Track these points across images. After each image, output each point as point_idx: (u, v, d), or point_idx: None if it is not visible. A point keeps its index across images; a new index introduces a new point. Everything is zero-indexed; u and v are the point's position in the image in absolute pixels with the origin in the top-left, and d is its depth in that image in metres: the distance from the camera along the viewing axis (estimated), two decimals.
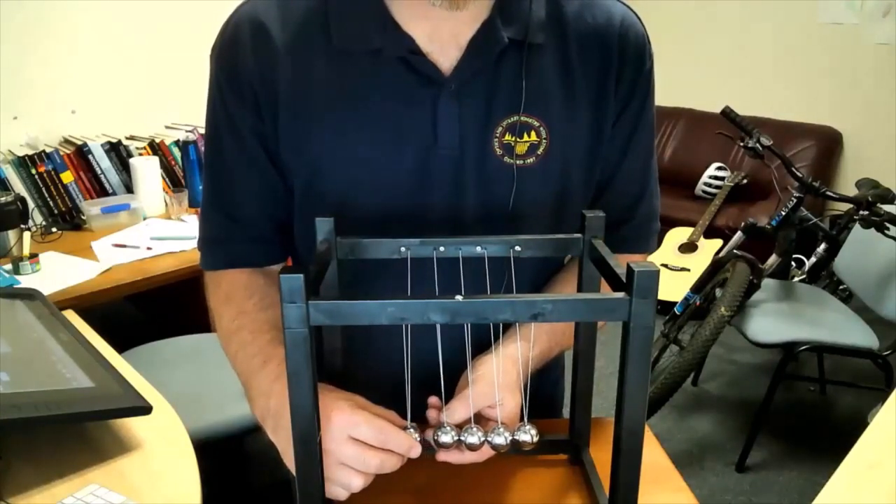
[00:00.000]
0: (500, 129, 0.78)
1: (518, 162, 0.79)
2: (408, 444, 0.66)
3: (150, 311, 2.45)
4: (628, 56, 0.81)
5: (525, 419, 0.70)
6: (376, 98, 0.77)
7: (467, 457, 0.70)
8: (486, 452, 0.69)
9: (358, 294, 0.58)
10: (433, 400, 0.72)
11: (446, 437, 0.68)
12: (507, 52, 0.77)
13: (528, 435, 0.68)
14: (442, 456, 0.70)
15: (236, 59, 0.78)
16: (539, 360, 0.82)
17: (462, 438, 0.68)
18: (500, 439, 0.68)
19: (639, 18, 0.83)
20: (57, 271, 1.85)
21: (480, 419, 0.71)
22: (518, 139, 0.78)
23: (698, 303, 2.62)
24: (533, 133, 0.79)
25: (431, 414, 0.71)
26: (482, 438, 0.68)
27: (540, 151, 0.79)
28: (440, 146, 0.77)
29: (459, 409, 0.69)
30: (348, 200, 0.79)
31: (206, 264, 0.89)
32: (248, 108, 0.79)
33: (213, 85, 0.82)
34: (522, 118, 0.78)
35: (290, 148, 0.80)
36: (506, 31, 0.76)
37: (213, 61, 0.81)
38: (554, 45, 0.79)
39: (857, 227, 2.44)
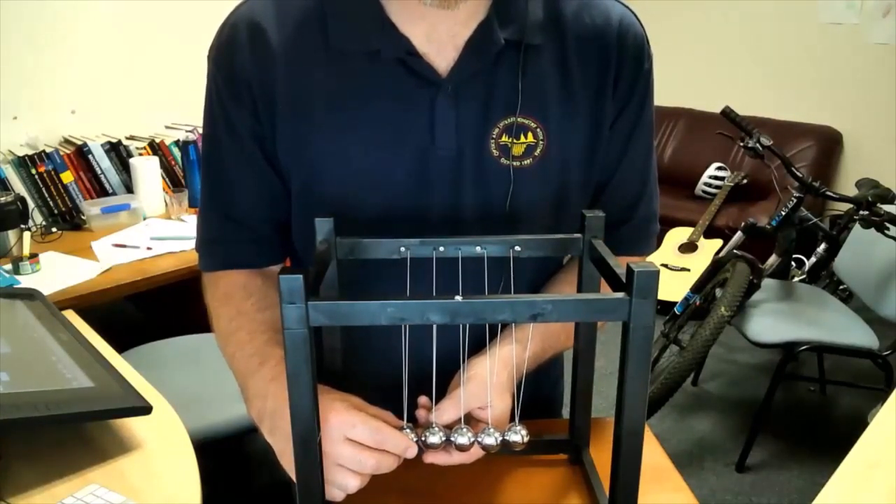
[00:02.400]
0: (497, 130, 0.78)
1: (515, 163, 0.79)
2: (404, 444, 0.66)
3: (150, 311, 2.45)
4: (627, 56, 0.80)
5: (516, 420, 0.70)
6: (374, 99, 0.76)
7: (455, 458, 0.69)
8: (475, 453, 0.69)
9: (357, 294, 0.58)
10: (423, 400, 0.72)
11: (434, 438, 0.68)
12: (505, 52, 0.76)
13: (518, 436, 0.68)
14: (429, 458, 0.69)
15: (233, 61, 0.78)
16: (532, 362, 0.81)
17: (452, 439, 0.68)
18: (490, 440, 0.68)
19: (637, 18, 0.83)
20: (57, 271, 1.85)
21: (470, 420, 0.71)
22: (515, 140, 0.78)
23: (698, 303, 2.62)
24: (530, 134, 0.79)
25: (421, 414, 0.71)
26: (472, 439, 0.68)
27: (537, 153, 0.79)
28: (437, 147, 0.77)
29: (449, 410, 0.69)
30: (346, 201, 0.79)
31: (205, 265, 0.89)
32: (246, 110, 0.79)
33: (211, 86, 0.82)
34: (519, 119, 0.78)
35: (287, 149, 0.80)
36: (503, 31, 0.76)
37: (210, 63, 0.81)
38: (552, 46, 0.78)
39: (857, 227, 2.44)
